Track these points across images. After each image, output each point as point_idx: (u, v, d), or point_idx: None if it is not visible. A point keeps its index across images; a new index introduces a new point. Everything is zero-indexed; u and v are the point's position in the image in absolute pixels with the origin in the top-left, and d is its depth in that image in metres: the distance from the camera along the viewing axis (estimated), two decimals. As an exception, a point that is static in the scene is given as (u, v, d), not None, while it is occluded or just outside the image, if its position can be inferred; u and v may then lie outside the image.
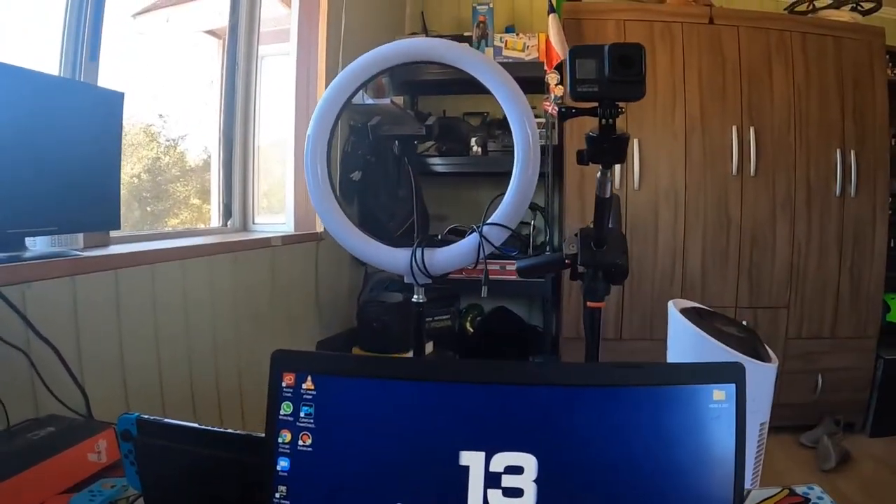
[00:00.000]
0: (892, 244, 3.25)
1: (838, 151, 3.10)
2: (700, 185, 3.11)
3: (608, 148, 0.75)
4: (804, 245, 3.15)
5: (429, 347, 2.50)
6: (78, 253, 1.45)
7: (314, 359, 0.66)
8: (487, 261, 1.14)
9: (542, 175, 2.95)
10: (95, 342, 1.43)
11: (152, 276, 1.60)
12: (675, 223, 3.12)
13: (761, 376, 1.32)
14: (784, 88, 3.09)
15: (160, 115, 2.39)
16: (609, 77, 0.69)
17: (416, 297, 1.20)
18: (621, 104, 0.73)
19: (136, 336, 1.56)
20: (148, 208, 2.38)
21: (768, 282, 3.16)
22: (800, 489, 0.96)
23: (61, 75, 1.68)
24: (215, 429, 0.88)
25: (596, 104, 0.73)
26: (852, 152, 3.10)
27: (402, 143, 1.25)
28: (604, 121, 0.73)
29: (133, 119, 2.27)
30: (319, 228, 2.52)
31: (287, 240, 2.27)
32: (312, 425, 0.64)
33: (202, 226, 2.54)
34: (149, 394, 1.60)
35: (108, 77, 1.80)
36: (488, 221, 1.08)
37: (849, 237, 3.16)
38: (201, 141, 2.57)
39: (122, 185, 2.23)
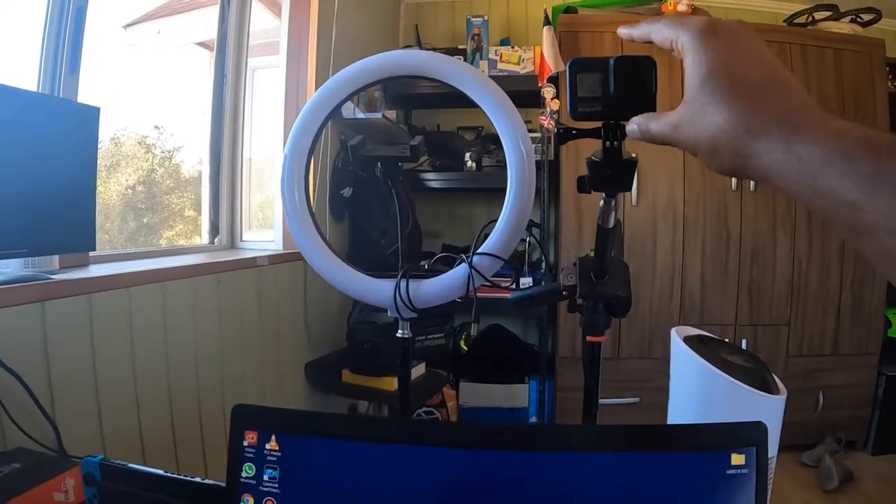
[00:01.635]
0: (893, 258, 3.19)
1: (839, 164, 3.05)
2: (699, 200, 3.05)
3: (613, 174, 0.67)
4: (805, 260, 3.10)
5: (421, 369, 2.42)
6: (49, 277, 1.37)
7: (279, 416, 0.58)
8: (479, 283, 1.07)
9: (537, 191, 2.90)
10: (67, 371, 1.35)
11: (129, 299, 1.53)
12: (674, 239, 3.07)
13: (770, 409, 1.25)
14: (784, 101, 3.04)
15: (155, 127, 2.36)
16: (615, 94, 0.60)
17: (400, 331, 1.11)
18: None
19: (112, 364, 1.48)
20: (144, 220, 2.34)
21: (769, 298, 3.11)
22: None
23: (40, 88, 1.62)
24: (180, 476, 0.85)
25: (599, 125, 0.65)
26: (853, 165, 3.04)
27: (386, 164, 1.16)
28: (608, 143, 0.65)
29: (128, 130, 2.25)
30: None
31: (274, 259, 2.19)
32: (277, 490, 0.57)
33: (198, 238, 2.48)
34: (125, 426, 1.52)
35: (99, 89, 1.75)
36: (479, 251, 1.01)
37: (850, 252, 3.11)
38: (196, 152, 2.53)
39: (117, 197, 2.20)
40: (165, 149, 2.44)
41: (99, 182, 2.10)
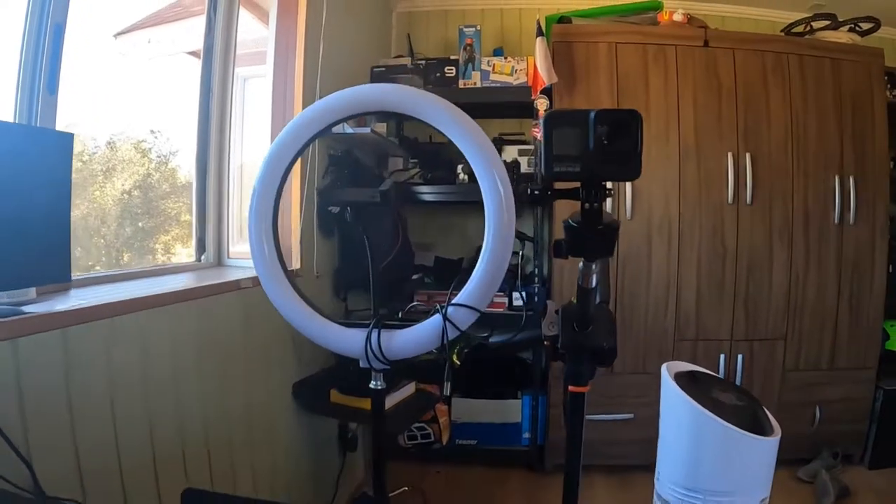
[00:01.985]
0: (891, 270, 3.16)
1: (837, 177, 3.02)
2: (695, 213, 3.02)
3: (592, 239, 0.61)
4: (802, 274, 3.07)
5: (410, 388, 2.37)
6: (22, 311, 1.33)
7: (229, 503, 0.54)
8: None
9: (531, 203, 2.85)
10: (42, 409, 1.30)
11: (108, 330, 1.48)
12: (669, 253, 3.03)
13: (763, 451, 1.22)
14: (781, 113, 3.01)
15: (151, 131, 2.33)
16: (595, 152, 0.54)
17: (373, 382, 1.07)
18: (611, 185, 0.60)
19: (90, 398, 1.42)
20: (140, 224, 2.31)
21: (765, 312, 3.07)
22: None
23: (17, 109, 1.57)
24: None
25: (578, 185, 0.59)
26: (851, 178, 3.02)
27: (357, 209, 1.11)
28: (587, 205, 0.59)
29: (123, 134, 2.22)
30: (296, 265, 2.40)
31: (258, 280, 2.14)
32: None
33: (192, 243, 2.43)
34: (105, 462, 1.47)
35: (95, 92, 1.75)
36: (454, 302, 0.96)
37: (848, 265, 3.08)
38: (191, 157, 2.49)
39: (112, 202, 2.16)
40: (161, 153, 2.41)
41: (95, 187, 2.08)
